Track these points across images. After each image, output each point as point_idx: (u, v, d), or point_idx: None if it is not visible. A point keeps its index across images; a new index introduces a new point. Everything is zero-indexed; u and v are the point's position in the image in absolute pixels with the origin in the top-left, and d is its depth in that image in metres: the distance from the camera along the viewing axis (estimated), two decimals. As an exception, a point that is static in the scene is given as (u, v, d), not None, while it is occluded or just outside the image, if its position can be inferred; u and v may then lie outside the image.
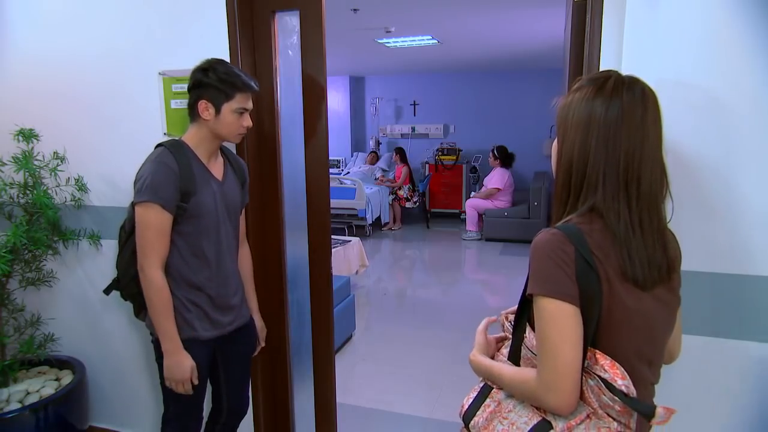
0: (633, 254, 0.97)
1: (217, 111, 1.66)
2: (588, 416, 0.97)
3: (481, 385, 1.15)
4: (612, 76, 1.02)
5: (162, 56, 2.09)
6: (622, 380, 0.93)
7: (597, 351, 0.97)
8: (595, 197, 0.99)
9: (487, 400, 1.11)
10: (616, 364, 0.95)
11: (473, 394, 1.14)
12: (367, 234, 7.26)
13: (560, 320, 0.95)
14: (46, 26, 2.24)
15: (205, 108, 1.66)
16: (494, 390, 1.11)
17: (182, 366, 1.67)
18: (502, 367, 1.10)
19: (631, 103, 0.98)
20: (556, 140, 1.09)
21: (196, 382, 1.73)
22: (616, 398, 0.93)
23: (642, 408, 0.93)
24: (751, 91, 1.33)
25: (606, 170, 0.98)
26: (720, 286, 1.43)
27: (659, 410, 0.92)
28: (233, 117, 1.67)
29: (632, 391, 0.93)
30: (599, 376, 0.95)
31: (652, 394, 1.08)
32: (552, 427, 0.98)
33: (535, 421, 1.00)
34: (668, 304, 1.04)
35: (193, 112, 1.69)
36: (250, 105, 1.70)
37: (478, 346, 1.20)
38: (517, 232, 6.77)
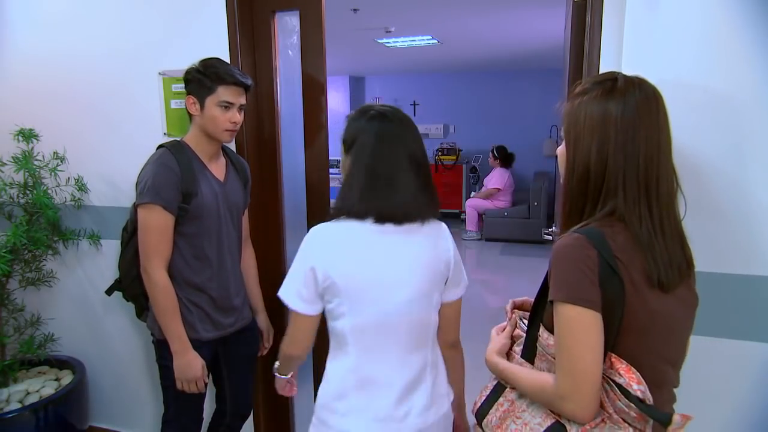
0: (657, 257, 0.95)
1: (202, 105, 1.64)
2: (603, 420, 0.95)
3: (495, 383, 1.14)
4: (618, 76, 1.00)
5: (162, 56, 2.09)
6: (637, 385, 0.91)
7: (613, 355, 0.95)
8: (615, 202, 0.97)
9: (501, 398, 1.10)
10: (632, 368, 0.92)
11: (486, 392, 1.13)
12: (367, 234, 7.25)
13: (580, 327, 0.92)
14: (46, 26, 2.24)
15: (192, 103, 1.65)
16: (507, 389, 1.10)
17: (193, 365, 1.67)
18: (519, 370, 1.08)
19: (645, 103, 0.96)
20: (563, 147, 1.06)
21: (206, 380, 1.73)
22: (632, 404, 0.91)
23: (658, 415, 0.90)
24: (751, 89, 1.33)
25: (626, 174, 0.95)
26: (725, 286, 1.43)
27: (676, 417, 0.90)
28: (218, 111, 1.63)
29: (648, 397, 0.91)
30: (614, 381, 0.93)
31: (673, 398, 1.07)
32: (566, 430, 0.96)
33: (548, 423, 0.99)
34: (688, 303, 1.03)
35: (187, 111, 1.69)
36: (237, 99, 1.66)
37: (494, 344, 1.18)
38: (517, 232, 6.77)
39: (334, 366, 1.27)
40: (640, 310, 0.95)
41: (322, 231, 1.23)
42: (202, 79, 1.62)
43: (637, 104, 0.96)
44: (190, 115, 1.69)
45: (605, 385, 0.95)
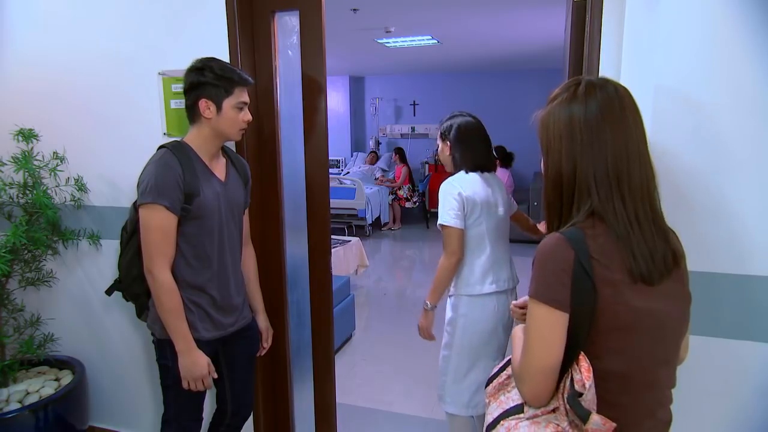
0: (635, 250, 0.97)
1: (219, 108, 1.65)
2: (553, 410, 1.00)
3: (508, 358, 1.20)
4: (582, 80, 1.05)
5: (161, 56, 2.08)
6: (586, 382, 0.95)
7: (582, 354, 0.98)
8: (591, 201, 1.00)
9: (503, 372, 1.19)
10: (591, 370, 0.96)
11: (501, 364, 1.23)
12: (366, 234, 7.26)
13: (545, 325, 0.99)
14: (45, 27, 2.24)
15: (206, 107, 1.65)
16: (509, 366, 1.18)
17: (198, 364, 1.68)
18: (516, 342, 1.15)
19: (607, 101, 1.00)
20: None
21: (215, 375, 1.73)
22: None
23: (579, 411, 0.95)
24: (751, 89, 1.33)
25: (596, 171, 0.99)
26: (719, 286, 1.43)
27: (595, 417, 0.94)
28: (234, 112, 1.67)
29: (589, 394, 0.95)
30: (572, 376, 0.97)
31: (669, 399, 1.08)
32: (523, 412, 1.05)
33: (518, 402, 1.08)
34: (679, 299, 1.05)
35: (192, 113, 1.68)
36: (247, 98, 1.71)
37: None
38: (517, 232, 6.73)
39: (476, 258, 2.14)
40: (621, 310, 0.97)
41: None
42: (218, 83, 1.63)
43: (600, 104, 1.00)
44: (196, 117, 1.68)
45: (565, 379, 0.99)
